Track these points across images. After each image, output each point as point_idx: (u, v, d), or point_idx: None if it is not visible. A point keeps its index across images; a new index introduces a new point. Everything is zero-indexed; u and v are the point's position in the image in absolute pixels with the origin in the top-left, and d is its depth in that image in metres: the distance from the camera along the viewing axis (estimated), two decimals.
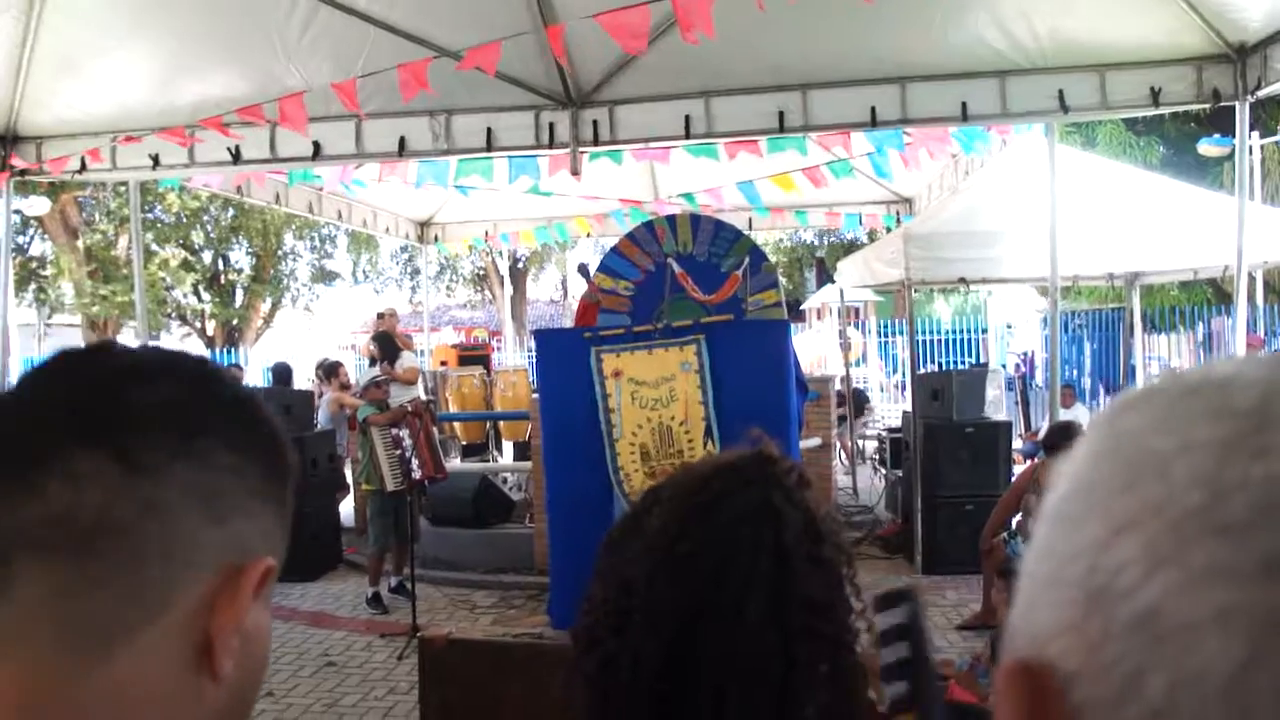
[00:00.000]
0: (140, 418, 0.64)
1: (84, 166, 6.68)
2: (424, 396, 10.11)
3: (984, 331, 20.68)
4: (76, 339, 21.18)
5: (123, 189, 15.83)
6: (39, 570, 0.59)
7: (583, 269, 6.92)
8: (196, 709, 0.63)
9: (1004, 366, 14.94)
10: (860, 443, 12.80)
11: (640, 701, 0.96)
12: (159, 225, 20.38)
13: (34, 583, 0.59)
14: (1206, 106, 5.90)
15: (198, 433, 0.66)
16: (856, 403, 12.73)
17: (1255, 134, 13.92)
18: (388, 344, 9.35)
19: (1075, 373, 16.09)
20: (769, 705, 0.95)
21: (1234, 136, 6.20)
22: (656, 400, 5.81)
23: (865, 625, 1.03)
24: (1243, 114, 5.81)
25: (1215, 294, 15.23)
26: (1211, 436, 0.39)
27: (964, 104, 6.04)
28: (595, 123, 6.41)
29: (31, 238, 20.93)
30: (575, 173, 6.62)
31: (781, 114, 6.24)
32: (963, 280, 8.82)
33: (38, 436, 0.62)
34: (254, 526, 0.68)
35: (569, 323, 20.13)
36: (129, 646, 0.60)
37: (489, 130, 6.48)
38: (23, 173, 6.82)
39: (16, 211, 9.42)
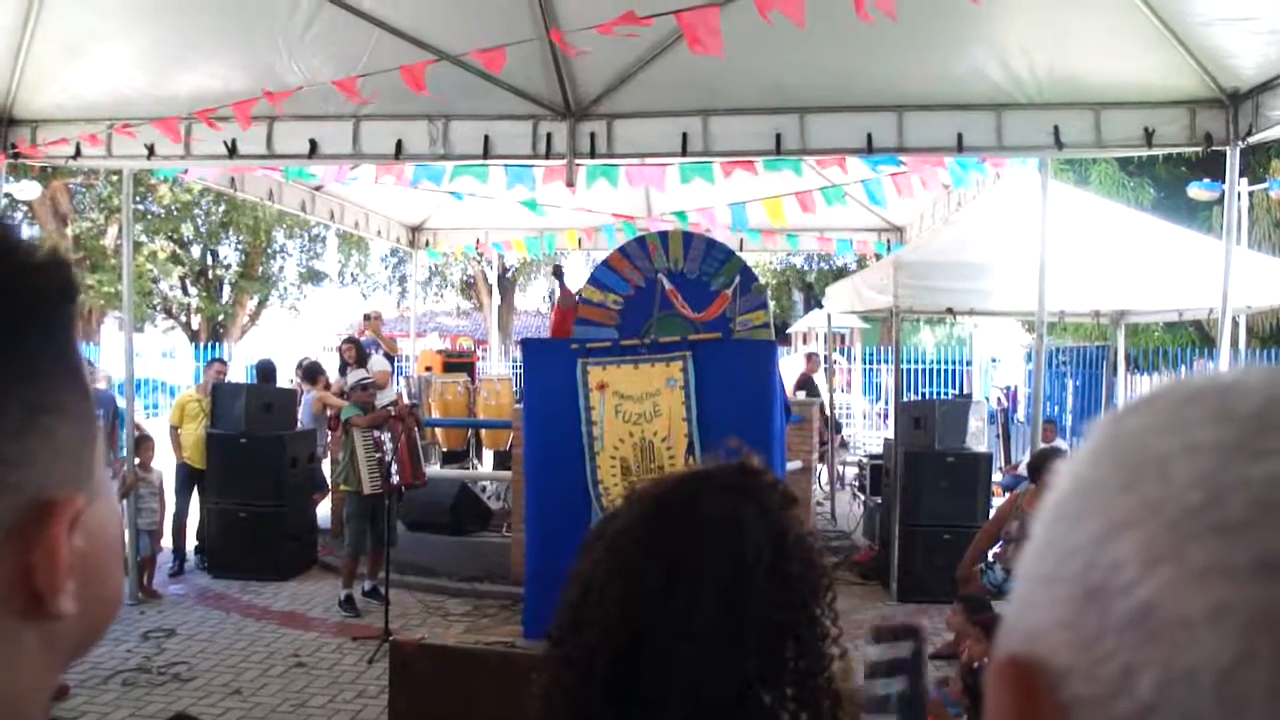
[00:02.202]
0: None
1: (79, 152, 6.65)
2: (408, 401, 10.10)
3: (968, 364, 20.74)
4: None
5: (115, 178, 15.78)
6: None
7: (558, 270, 6.83)
8: (51, 644, 0.53)
9: (987, 399, 14.99)
10: (840, 468, 12.79)
11: (590, 704, 0.94)
12: (149, 217, 20.31)
13: None
14: (1199, 149, 5.97)
15: None
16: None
17: (1244, 180, 14.06)
18: (360, 348, 10.27)
19: (1057, 409, 16.15)
20: None
21: (1224, 181, 6.26)
22: (640, 415, 5.81)
23: (839, 651, 1.00)
24: (1233, 159, 5.87)
25: (1199, 336, 15.34)
26: (1212, 439, 0.39)
27: (960, 135, 6.09)
28: (593, 135, 6.42)
29: (19, 223, 20.82)
30: (570, 184, 6.63)
31: (779, 136, 6.28)
32: (950, 311, 8.86)
33: None
34: (42, 467, 0.52)
35: None
36: None
37: (486, 137, 6.48)
38: (16, 155, 6.79)
39: (6, 195, 9.37)
